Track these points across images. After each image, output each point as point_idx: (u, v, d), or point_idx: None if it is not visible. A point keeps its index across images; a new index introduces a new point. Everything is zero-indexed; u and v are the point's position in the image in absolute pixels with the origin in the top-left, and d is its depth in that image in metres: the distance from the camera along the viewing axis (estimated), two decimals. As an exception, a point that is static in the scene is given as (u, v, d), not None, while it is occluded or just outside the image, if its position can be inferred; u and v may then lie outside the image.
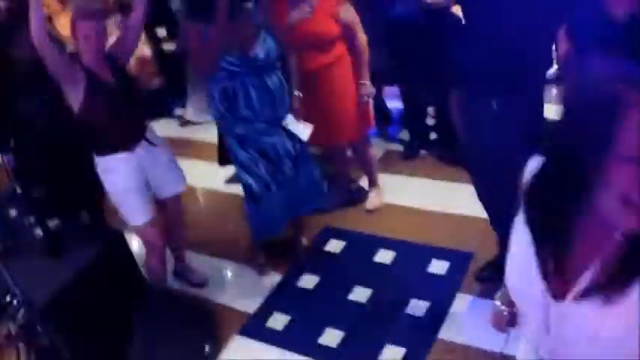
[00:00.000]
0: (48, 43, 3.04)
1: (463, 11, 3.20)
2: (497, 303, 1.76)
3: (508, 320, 1.74)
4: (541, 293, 1.38)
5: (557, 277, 1.35)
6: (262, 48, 3.51)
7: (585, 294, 1.29)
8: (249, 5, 3.50)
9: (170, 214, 3.88)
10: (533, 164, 1.44)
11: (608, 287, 1.25)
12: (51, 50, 3.06)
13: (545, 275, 1.36)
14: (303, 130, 3.77)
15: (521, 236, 1.43)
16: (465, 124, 3.26)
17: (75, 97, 3.22)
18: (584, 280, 1.29)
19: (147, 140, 3.51)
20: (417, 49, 4.44)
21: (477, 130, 3.14)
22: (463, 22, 4.27)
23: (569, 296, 1.32)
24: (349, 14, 3.98)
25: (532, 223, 1.39)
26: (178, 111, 6.56)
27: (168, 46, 6.76)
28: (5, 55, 3.79)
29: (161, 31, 6.67)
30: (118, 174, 3.43)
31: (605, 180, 1.17)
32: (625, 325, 1.25)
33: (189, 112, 6.49)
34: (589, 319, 1.30)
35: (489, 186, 3.31)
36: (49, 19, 5.04)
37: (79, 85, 3.20)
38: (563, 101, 1.28)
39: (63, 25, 4.74)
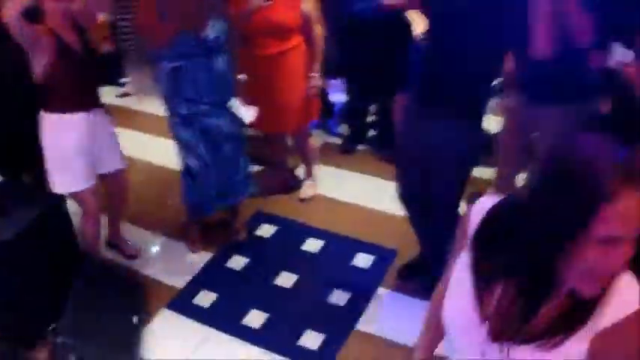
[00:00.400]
0: (19, 23, 3.08)
1: (427, 22, 3.32)
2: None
3: None
4: (479, 333, 1.43)
5: (498, 321, 1.40)
6: (213, 29, 3.58)
7: (525, 340, 1.36)
8: None
9: (111, 189, 3.94)
10: (481, 206, 1.50)
11: (548, 337, 1.33)
12: (21, 29, 3.10)
13: (485, 318, 1.42)
14: (247, 113, 3.87)
15: (462, 275, 1.49)
16: (405, 125, 3.44)
17: (40, 62, 3.27)
18: (525, 328, 1.36)
19: (101, 106, 3.58)
20: (369, 47, 4.58)
21: (414, 133, 3.30)
22: (412, 27, 4.48)
23: (509, 340, 1.38)
24: (308, 6, 4.10)
25: (478, 270, 1.45)
26: (123, 79, 6.54)
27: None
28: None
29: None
30: (71, 133, 3.47)
31: (574, 255, 1.23)
32: None
33: (130, 87, 6.52)
34: None
35: (413, 191, 3.48)
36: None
37: (45, 50, 3.24)
38: (535, 180, 1.33)
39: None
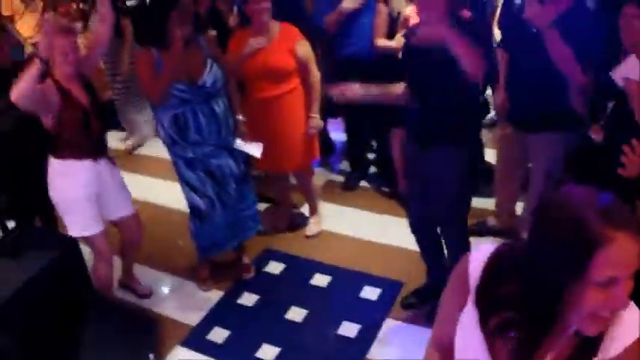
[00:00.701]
0: (30, 95, 3.20)
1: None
2: None
3: None
4: None
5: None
6: (210, 76, 3.72)
7: None
8: (200, 35, 3.78)
9: (124, 234, 4.04)
10: (480, 255, 1.55)
11: None
12: (30, 98, 3.22)
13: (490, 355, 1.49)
14: (255, 149, 4.00)
15: (470, 330, 1.53)
16: (405, 159, 3.57)
17: (48, 117, 3.41)
18: None
19: (108, 155, 3.71)
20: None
21: (415, 165, 3.48)
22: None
23: None
24: (305, 50, 4.25)
25: (487, 324, 1.49)
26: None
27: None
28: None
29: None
30: (78, 179, 3.57)
31: (574, 301, 1.30)
32: None
33: (130, 141, 6.54)
34: None
35: (422, 220, 3.64)
36: (11, 18, 5.16)
37: (52, 106, 3.38)
38: (533, 231, 1.39)
39: (23, 25, 4.89)
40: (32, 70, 3.14)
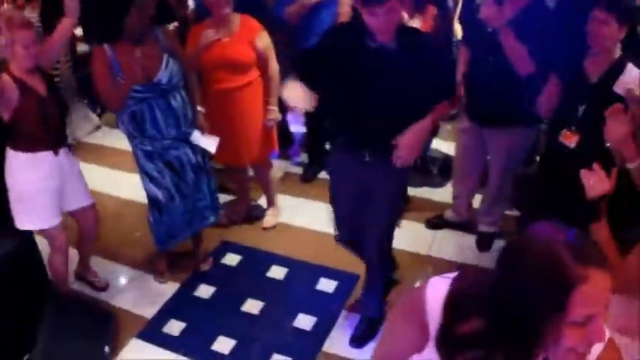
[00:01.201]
0: None
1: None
2: None
3: None
4: None
5: None
6: (165, 73, 3.70)
7: None
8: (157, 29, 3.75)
9: (81, 225, 4.03)
10: (437, 294, 1.52)
11: None
12: None
13: None
14: (211, 143, 4.00)
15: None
16: (335, 172, 3.52)
17: (5, 110, 3.38)
18: None
19: (67, 146, 3.68)
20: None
21: (345, 178, 3.37)
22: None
23: None
24: (265, 42, 4.26)
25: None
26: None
27: (83, 47, 6.86)
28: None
29: (77, 31, 6.75)
30: (38, 172, 3.55)
31: (552, 338, 1.32)
32: None
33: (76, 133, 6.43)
34: None
35: (352, 234, 3.58)
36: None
37: (10, 95, 3.35)
38: (503, 274, 1.38)
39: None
40: None
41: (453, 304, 1.48)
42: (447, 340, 1.48)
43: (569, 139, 3.27)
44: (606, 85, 3.11)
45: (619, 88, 3.04)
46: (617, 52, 3.13)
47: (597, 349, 1.47)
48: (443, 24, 4.22)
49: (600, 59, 3.18)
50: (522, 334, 1.35)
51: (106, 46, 3.62)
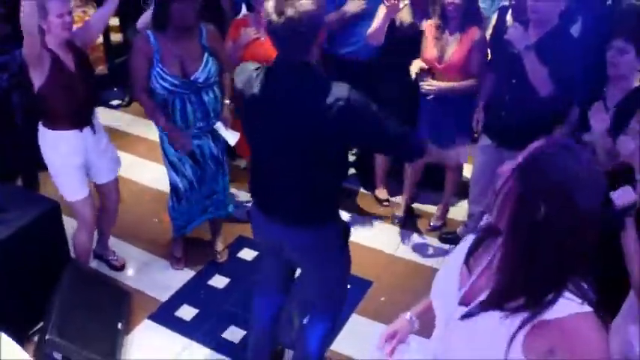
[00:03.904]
0: (36, 26, 3.24)
1: None
2: (408, 314, 2.12)
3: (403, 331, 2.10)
4: (453, 297, 1.72)
5: (468, 289, 1.70)
6: (203, 72, 3.78)
7: (477, 309, 1.63)
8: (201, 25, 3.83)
9: (104, 199, 4.10)
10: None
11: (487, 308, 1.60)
12: (35, 34, 3.26)
13: (461, 286, 1.73)
14: (231, 136, 4.04)
15: (458, 253, 1.79)
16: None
17: (38, 77, 3.45)
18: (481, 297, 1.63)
19: (92, 125, 3.76)
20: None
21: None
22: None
23: (468, 305, 1.66)
24: None
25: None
26: (116, 101, 6.74)
27: (116, 37, 6.98)
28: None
29: (112, 21, 6.87)
30: (64, 149, 3.65)
31: None
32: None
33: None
34: (470, 331, 1.66)
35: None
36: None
37: (44, 66, 3.43)
38: None
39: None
40: None
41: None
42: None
43: None
44: (623, 112, 3.22)
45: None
46: (635, 81, 3.27)
47: None
48: (482, 47, 4.26)
49: (618, 86, 3.34)
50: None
51: (150, 34, 3.71)
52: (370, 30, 4.23)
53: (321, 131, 2.42)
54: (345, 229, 2.89)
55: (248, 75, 2.57)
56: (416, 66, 4.25)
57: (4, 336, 2.72)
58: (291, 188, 2.62)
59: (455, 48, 4.14)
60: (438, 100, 4.24)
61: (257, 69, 2.57)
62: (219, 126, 3.95)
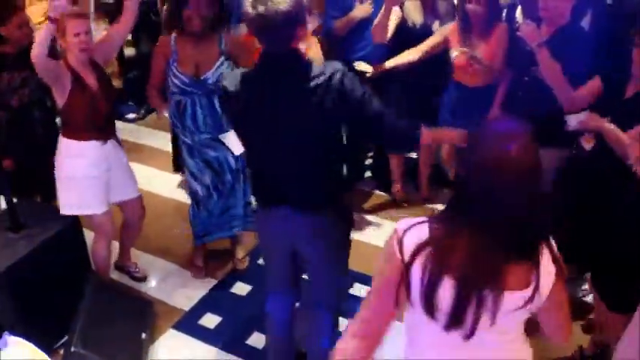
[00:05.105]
0: (45, 59, 3.34)
1: None
2: None
3: None
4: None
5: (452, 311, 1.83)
6: (215, 74, 3.83)
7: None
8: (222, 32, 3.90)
9: (127, 217, 4.13)
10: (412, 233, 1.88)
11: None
12: (46, 64, 3.37)
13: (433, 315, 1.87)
14: (237, 146, 4.04)
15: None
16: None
17: (60, 95, 3.51)
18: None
19: (116, 138, 3.80)
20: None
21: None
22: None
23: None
24: (314, 51, 4.32)
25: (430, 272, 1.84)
26: (131, 115, 6.79)
27: (129, 51, 7.04)
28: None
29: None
30: (86, 159, 3.67)
31: None
32: None
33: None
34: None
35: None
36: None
37: (65, 85, 3.48)
38: None
39: (34, 12, 4.97)
40: (44, 31, 3.30)
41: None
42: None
43: (588, 143, 3.37)
44: (638, 102, 3.17)
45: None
46: None
47: None
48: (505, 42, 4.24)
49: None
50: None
51: (173, 35, 3.83)
52: (373, 26, 4.24)
53: (320, 108, 2.54)
54: (349, 213, 3.03)
55: (236, 75, 2.71)
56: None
57: (32, 346, 2.75)
58: (294, 174, 2.72)
59: (483, 49, 4.14)
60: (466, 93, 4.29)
61: (245, 71, 2.74)
62: (224, 135, 3.96)
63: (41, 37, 3.31)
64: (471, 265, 1.71)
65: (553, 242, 1.86)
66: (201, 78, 3.82)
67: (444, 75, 4.43)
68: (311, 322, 3.25)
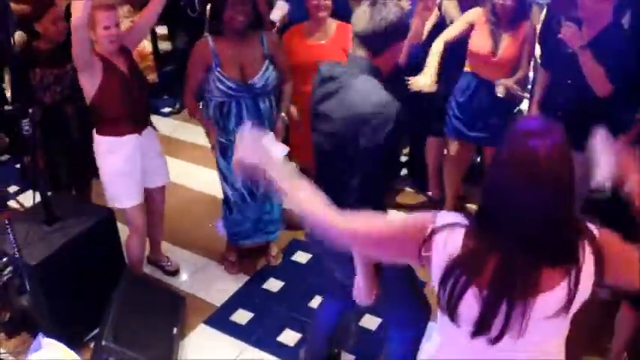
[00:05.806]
0: (85, 27, 3.27)
1: None
2: None
3: None
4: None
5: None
6: (262, 77, 3.79)
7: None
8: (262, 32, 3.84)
9: (153, 204, 4.13)
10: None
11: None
12: (85, 38, 3.31)
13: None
14: (277, 149, 4.00)
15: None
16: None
17: (91, 84, 3.50)
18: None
19: (151, 125, 3.80)
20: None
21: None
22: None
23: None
24: (358, 52, 4.28)
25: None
26: (166, 109, 6.81)
27: (165, 46, 7.06)
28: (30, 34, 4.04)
29: (161, 30, 6.95)
30: (120, 155, 3.68)
31: None
32: None
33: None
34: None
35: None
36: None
37: (95, 71, 3.48)
38: None
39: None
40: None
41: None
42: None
43: None
44: None
45: None
46: None
47: None
48: (532, 40, 4.16)
49: None
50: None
51: (209, 38, 3.75)
52: (409, 36, 4.17)
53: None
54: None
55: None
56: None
57: (64, 347, 2.76)
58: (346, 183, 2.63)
59: (508, 42, 4.06)
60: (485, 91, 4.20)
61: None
62: (269, 137, 3.91)
63: (85, 5, 3.18)
64: (503, 274, 1.63)
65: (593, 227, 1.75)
66: (249, 82, 3.77)
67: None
68: (387, 339, 3.22)
